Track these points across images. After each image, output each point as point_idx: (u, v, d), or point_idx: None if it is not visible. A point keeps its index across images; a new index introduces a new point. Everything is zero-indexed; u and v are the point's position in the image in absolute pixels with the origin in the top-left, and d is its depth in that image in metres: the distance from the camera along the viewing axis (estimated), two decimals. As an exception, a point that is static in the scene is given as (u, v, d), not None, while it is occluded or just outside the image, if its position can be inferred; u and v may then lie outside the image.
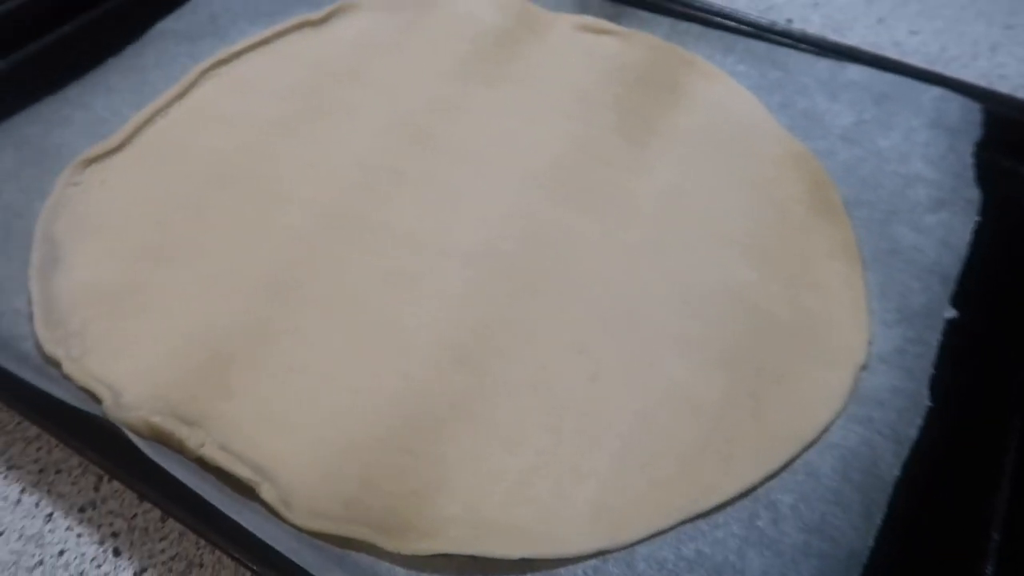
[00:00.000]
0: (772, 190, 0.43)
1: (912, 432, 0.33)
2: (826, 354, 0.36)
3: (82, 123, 0.45)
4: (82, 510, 0.32)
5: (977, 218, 0.41)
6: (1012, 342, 0.37)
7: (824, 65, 0.49)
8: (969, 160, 0.43)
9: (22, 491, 0.32)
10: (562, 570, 0.29)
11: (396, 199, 0.42)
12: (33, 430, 0.33)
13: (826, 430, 0.33)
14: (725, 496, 0.31)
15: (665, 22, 0.53)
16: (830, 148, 0.45)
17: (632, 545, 0.30)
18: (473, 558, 0.29)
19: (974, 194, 0.42)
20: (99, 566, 0.30)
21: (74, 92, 0.47)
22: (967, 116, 0.45)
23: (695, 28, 0.52)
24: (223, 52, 0.50)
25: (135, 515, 0.31)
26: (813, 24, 0.57)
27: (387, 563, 0.29)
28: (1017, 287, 0.39)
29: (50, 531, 0.31)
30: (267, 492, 0.30)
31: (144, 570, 0.30)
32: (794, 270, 0.39)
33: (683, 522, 0.30)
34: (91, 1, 0.52)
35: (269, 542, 0.28)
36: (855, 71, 0.48)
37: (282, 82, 0.49)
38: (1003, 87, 0.50)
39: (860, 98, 0.47)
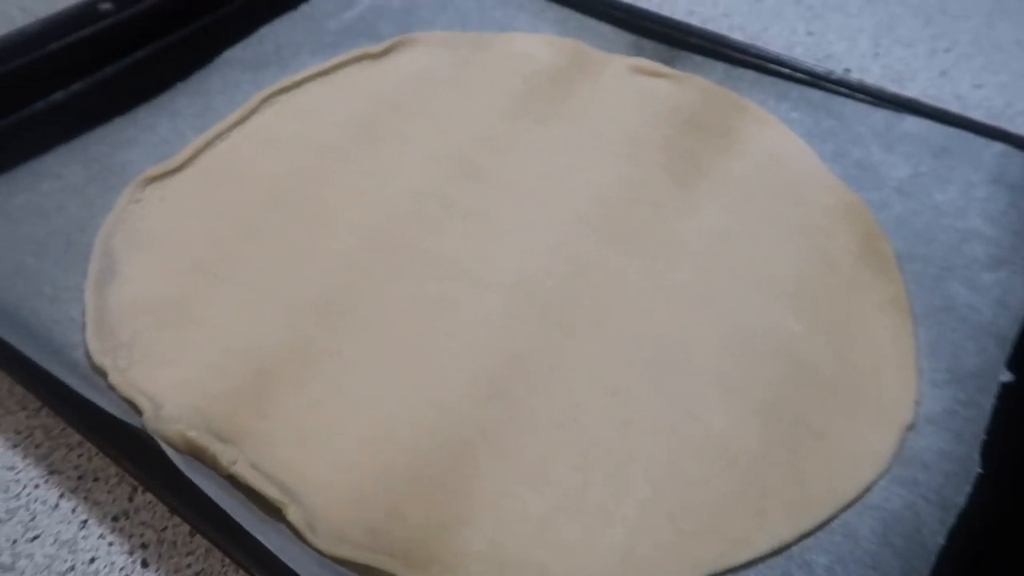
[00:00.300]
0: (822, 239, 0.42)
1: (960, 499, 0.32)
2: (870, 411, 0.35)
3: (147, 144, 0.47)
4: (115, 519, 0.32)
5: (1037, 276, 0.40)
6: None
7: (880, 116, 0.48)
8: (1026, 215, 0.42)
9: (60, 496, 0.33)
10: (583, 614, 0.29)
11: (443, 229, 0.43)
12: (75, 437, 0.34)
13: (867, 490, 0.32)
14: (756, 552, 0.30)
15: (719, 67, 0.53)
16: (884, 200, 0.44)
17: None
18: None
19: (1034, 252, 0.41)
20: (127, 576, 0.30)
21: (142, 114, 0.49)
22: (1026, 171, 0.44)
23: (749, 74, 0.52)
24: (285, 81, 0.52)
25: (165, 528, 0.32)
26: (872, 74, 0.56)
27: (406, 592, 0.29)
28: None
29: (83, 538, 0.32)
30: (294, 514, 0.30)
31: (169, 583, 0.31)
32: (841, 323, 0.38)
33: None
34: (164, 30, 0.54)
35: (292, 565, 0.28)
36: (912, 123, 0.47)
37: (339, 111, 0.50)
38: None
39: (917, 150, 0.46)
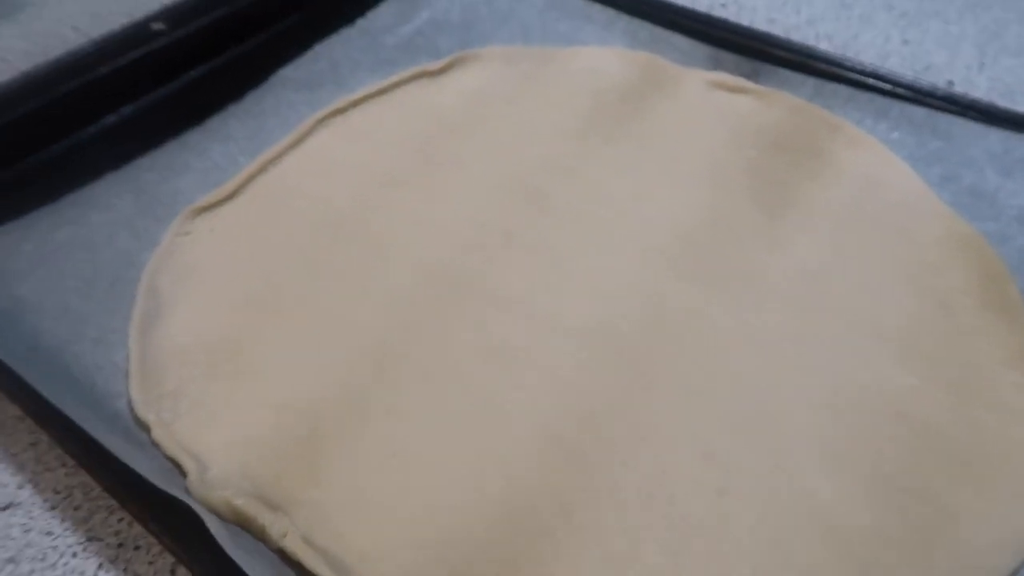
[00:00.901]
0: (933, 279, 0.38)
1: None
2: (1004, 485, 0.30)
3: (198, 171, 0.45)
4: (157, 594, 0.30)
5: None
6: None
7: (996, 136, 0.43)
8: None
9: (99, 567, 0.30)
10: None
11: (506, 264, 0.39)
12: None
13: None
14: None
15: (809, 82, 0.48)
16: (1003, 232, 0.39)
17: None
18: None
19: None
20: (168, 661, 0.28)
21: (193, 138, 0.47)
22: None
23: (843, 90, 0.47)
24: (340, 101, 0.49)
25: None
26: (979, 88, 0.51)
27: None
28: None
29: (123, 614, 0.29)
30: (349, 596, 0.27)
31: (214, 670, 0.28)
32: (962, 378, 0.34)
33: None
34: (217, 49, 0.52)
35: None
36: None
37: (397, 133, 0.48)
38: None
39: (1032, 171, 0.41)
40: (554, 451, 0.32)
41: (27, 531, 0.31)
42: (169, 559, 0.30)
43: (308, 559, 0.28)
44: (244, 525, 0.29)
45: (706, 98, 0.49)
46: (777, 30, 0.54)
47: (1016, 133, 0.43)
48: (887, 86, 0.46)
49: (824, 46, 0.53)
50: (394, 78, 0.51)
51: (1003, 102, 0.48)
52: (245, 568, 0.26)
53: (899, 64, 0.53)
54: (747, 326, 0.36)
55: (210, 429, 0.33)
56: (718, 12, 0.56)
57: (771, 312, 0.37)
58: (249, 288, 0.39)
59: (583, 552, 0.29)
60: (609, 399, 0.33)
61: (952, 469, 0.31)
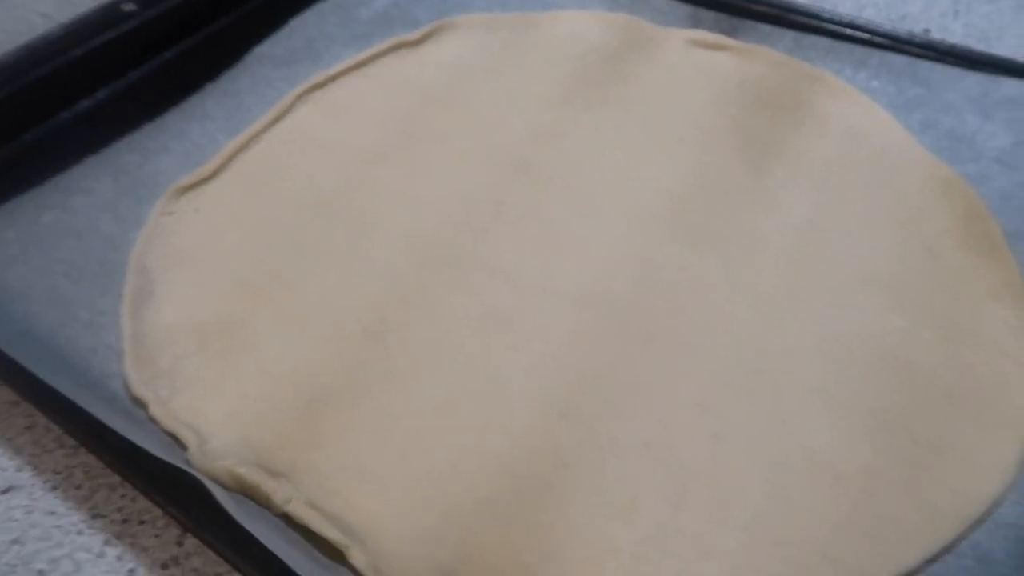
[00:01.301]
0: (917, 223, 0.38)
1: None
2: (993, 416, 0.31)
3: (178, 151, 0.45)
4: (164, 566, 0.30)
5: None
6: None
7: (974, 80, 0.43)
8: None
9: (105, 543, 0.30)
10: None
11: (496, 234, 0.39)
12: (118, 476, 0.32)
13: (996, 507, 0.28)
14: (875, 586, 0.27)
15: (788, 35, 0.48)
16: (983, 173, 0.40)
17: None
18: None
19: None
20: (180, 630, 0.28)
21: (171, 119, 0.46)
22: None
23: (822, 41, 0.47)
24: (318, 76, 0.49)
25: (219, 574, 0.29)
26: (955, 34, 0.51)
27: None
28: None
29: (132, 588, 0.29)
30: (356, 557, 0.27)
31: (226, 636, 0.28)
32: (950, 317, 0.34)
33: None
34: (190, 28, 0.51)
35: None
36: (1013, 86, 0.43)
37: (378, 107, 0.47)
38: None
39: (1019, 116, 0.42)
40: (551, 409, 0.32)
41: (29, 512, 0.31)
42: (175, 531, 0.30)
43: (315, 523, 0.28)
44: (248, 493, 0.30)
45: (687, 57, 0.49)
46: (754, -14, 0.54)
47: (992, 76, 0.43)
48: (865, 36, 0.47)
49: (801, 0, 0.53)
50: (372, 50, 0.51)
51: (979, 47, 0.48)
52: (253, 532, 0.26)
53: (875, 14, 0.53)
54: (740, 282, 0.36)
55: (207, 403, 0.33)
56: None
57: (762, 266, 0.37)
58: (238, 267, 0.39)
59: (584, 502, 0.29)
60: (604, 358, 0.34)
61: (940, 406, 0.31)
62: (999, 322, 0.34)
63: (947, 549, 0.28)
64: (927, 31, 0.51)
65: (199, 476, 0.29)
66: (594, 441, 0.31)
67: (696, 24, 0.50)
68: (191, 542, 0.30)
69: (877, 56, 0.46)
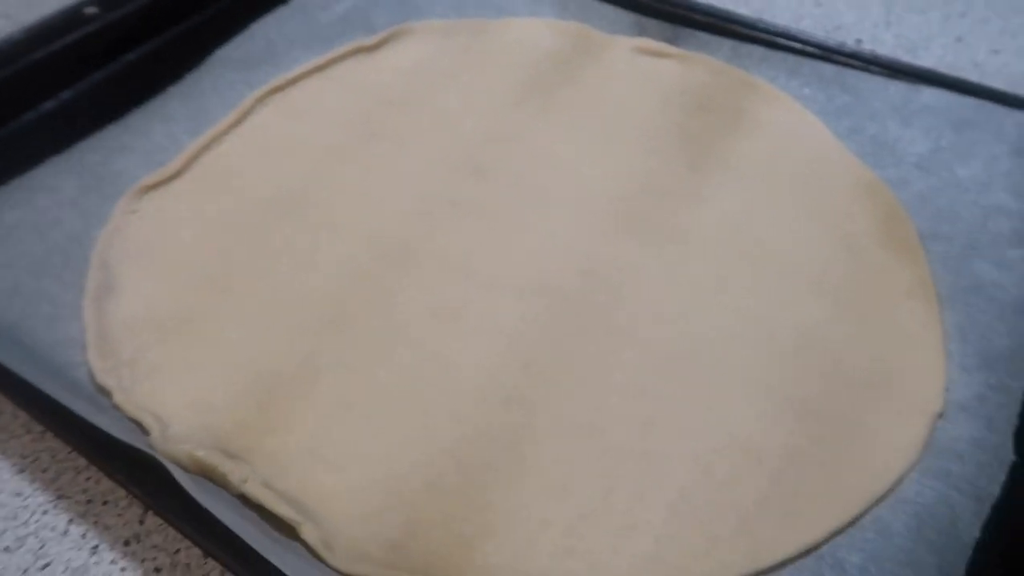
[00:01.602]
0: (841, 222, 0.41)
1: (994, 489, 0.30)
2: (899, 402, 0.33)
3: (141, 151, 0.46)
4: (127, 543, 0.31)
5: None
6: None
7: (896, 89, 0.46)
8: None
9: (69, 521, 0.32)
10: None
11: (449, 231, 0.41)
12: (82, 460, 0.33)
13: (899, 484, 0.31)
14: (787, 554, 0.29)
15: (726, 44, 0.51)
16: (903, 177, 0.43)
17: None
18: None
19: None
20: (141, 603, 0.30)
21: (134, 120, 0.48)
22: (1056, 143, 0.42)
23: (758, 50, 0.50)
24: (278, 79, 0.50)
25: (178, 551, 0.31)
26: (885, 44, 0.54)
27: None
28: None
29: (95, 563, 0.31)
30: (308, 532, 0.29)
31: (185, 609, 0.30)
32: (866, 310, 0.37)
33: (740, 580, 0.29)
34: (152, 31, 0.53)
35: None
36: (931, 95, 0.46)
37: (336, 109, 0.49)
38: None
39: (936, 124, 0.44)
40: (496, 396, 0.34)
41: (-4, 495, 0.33)
42: (137, 510, 0.32)
43: (269, 501, 0.30)
44: (206, 474, 0.31)
45: (632, 64, 0.51)
46: (701, -4, 0.57)
47: (913, 85, 0.46)
48: (798, 45, 0.49)
49: (743, 10, 0.55)
50: (331, 54, 0.52)
51: (906, 57, 0.51)
52: (211, 511, 0.28)
53: (812, 25, 0.56)
54: (673, 274, 0.39)
55: (168, 391, 0.34)
56: (643, -19, 0.58)
57: (697, 260, 0.40)
58: (198, 262, 0.40)
59: (522, 482, 0.31)
60: (545, 347, 0.36)
61: (854, 392, 0.34)
62: (911, 316, 0.37)
63: (852, 523, 0.30)
64: (859, 41, 0.55)
65: (160, 459, 0.30)
66: (534, 426, 0.33)
67: (641, 32, 0.53)
68: (152, 520, 0.32)
69: (809, 65, 0.48)
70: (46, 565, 0.31)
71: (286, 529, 0.30)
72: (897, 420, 0.33)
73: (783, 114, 0.47)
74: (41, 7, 0.52)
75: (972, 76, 0.48)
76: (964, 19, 0.56)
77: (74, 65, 0.50)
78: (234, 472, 0.31)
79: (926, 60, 0.51)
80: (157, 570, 0.31)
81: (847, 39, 0.54)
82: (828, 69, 0.48)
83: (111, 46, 0.52)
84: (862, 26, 0.56)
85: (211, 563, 0.31)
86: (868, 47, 0.53)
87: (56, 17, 0.51)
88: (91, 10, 0.51)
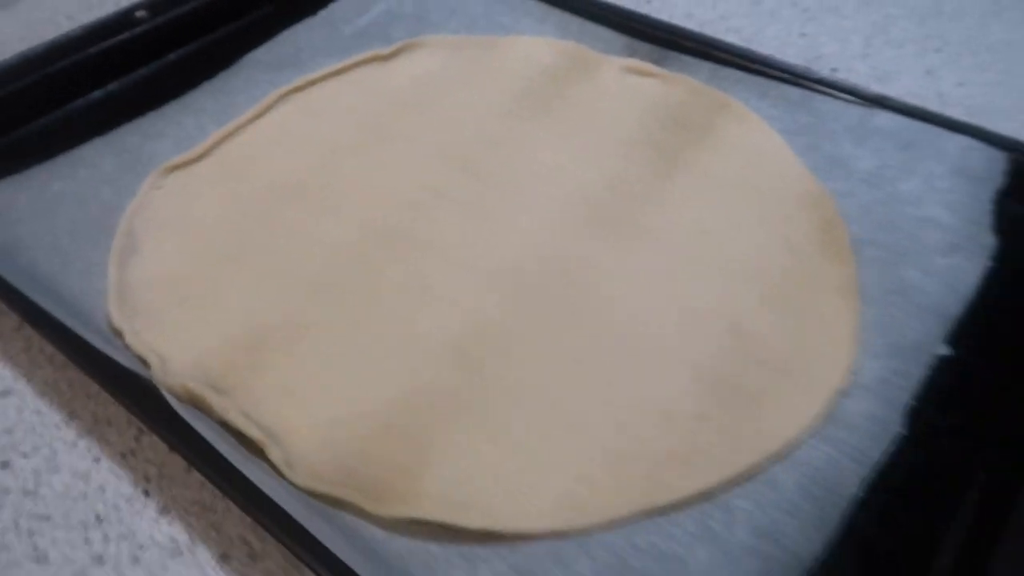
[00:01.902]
0: (785, 228, 0.45)
1: (877, 455, 0.34)
2: (807, 379, 0.37)
3: (173, 137, 0.52)
4: (123, 456, 0.37)
5: (989, 263, 0.42)
6: (1000, 381, 0.37)
7: (854, 112, 0.50)
8: (988, 207, 0.44)
9: (78, 436, 0.37)
10: (522, 544, 0.32)
11: (435, 219, 0.46)
12: (93, 388, 0.39)
13: (796, 448, 0.35)
14: (684, 495, 0.33)
15: (706, 67, 0.55)
16: (850, 190, 0.47)
17: (590, 531, 0.32)
18: (443, 526, 0.32)
19: (989, 240, 0.43)
20: (131, 502, 0.35)
21: (169, 110, 0.54)
22: (991, 165, 0.46)
23: (735, 73, 0.54)
24: (300, 80, 0.56)
25: (165, 463, 0.36)
26: (859, 74, 0.58)
27: (369, 524, 0.33)
28: (1018, 331, 0.39)
29: (95, 471, 0.36)
30: (274, 453, 0.34)
31: (167, 510, 0.35)
32: (794, 303, 0.41)
33: (640, 515, 0.33)
34: (194, 35, 0.59)
35: (270, 495, 0.32)
36: (884, 118, 0.49)
37: (349, 109, 0.55)
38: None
39: (885, 144, 0.48)
40: (454, 358, 0.39)
41: (20, 411, 0.39)
42: (134, 431, 0.37)
43: (243, 426, 0.35)
44: (195, 404, 0.37)
45: (620, 81, 0.56)
46: (693, 24, 0.62)
47: (870, 109, 0.50)
48: (772, 71, 0.54)
49: (732, 38, 0.60)
50: (349, 61, 0.58)
51: (876, 86, 0.55)
52: (198, 431, 0.33)
53: (795, 53, 0.60)
54: (626, 266, 0.43)
55: (171, 336, 0.40)
56: (643, 8, 0.63)
57: (649, 254, 0.44)
58: (210, 235, 0.46)
59: (463, 427, 0.36)
60: (506, 322, 0.41)
61: (768, 369, 0.38)
62: (833, 310, 0.40)
63: (748, 476, 0.34)
64: (835, 70, 0.59)
65: (160, 389, 0.36)
66: (482, 382, 0.38)
67: (632, 53, 0.58)
68: (146, 439, 0.37)
69: (778, 88, 0.53)
70: (55, 469, 0.36)
71: (256, 450, 0.35)
72: (802, 394, 0.37)
73: (749, 131, 0.51)
74: (99, 10, 0.59)
75: (934, 105, 0.51)
76: (938, 54, 0.60)
77: (122, 61, 0.57)
78: (218, 403, 0.36)
79: (894, 89, 0.55)
80: (147, 479, 0.36)
81: (824, 68, 0.58)
82: (795, 93, 0.52)
83: (156, 47, 0.59)
84: (841, 57, 0.60)
85: (193, 476, 0.36)
86: (843, 76, 0.57)
87: (110, 19, 0.58)
88: (141, 14, 0.58)
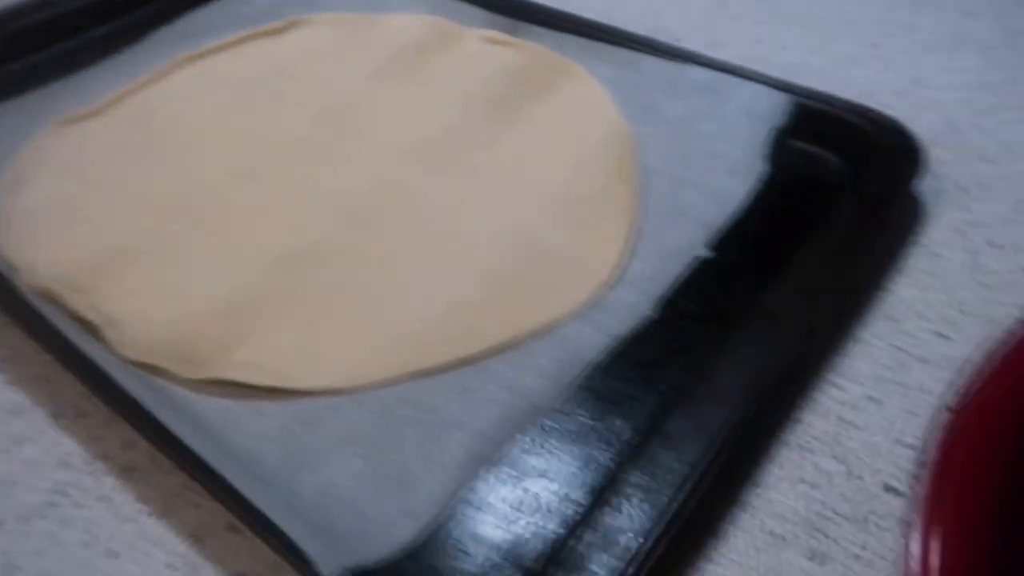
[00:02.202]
0: (590, 162, 0.51)
1: (623, 331, 0.40)
2: (579, 274, 0.44)
3: (78, 99, 0.59)
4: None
5: (758, 185, 0.48)
6: (745, 277, 0.43)
7: (672, 68, 0.57)
8: (765, 140, 0.51)
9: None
10: (305, 399, 0.38)
11: (291, 159, 0.53)
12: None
13: (557, 326, 0.41)
14: (449, 360, 0.39)
15: (555, 36, 0.62)
16: (656, 132, 0.53)
17: (365, 388, 0.39)
18: (239, 385, 0.38)
19: (761, 167, 0.49)
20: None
21: (80, 77, 0.61)
22: (774, 106, 0.52)
23: (580, 40, 0.61)
24: (197, 49, 0.63)
25: (18, 348, 0.43)
26: (695, 42, 0.64)
27: (181, 387, 0.39)
28: (768, 237, 0.46)
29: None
30: (109, 334, 0.41)
31: (14, 382, 0.41)
32: (582, 219, 0.47)
33: (408, 376, 0.39)
34: (107, 17, 0.67)
35: (100, 365, 0.38)
36: (695, 72, 0.56)
37: (239, 73, 0.62)
38: (850, 93, 0.55)
39: (693, 94, 0.55)
40: (282, 263, 0.45)
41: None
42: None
43: (87, 313, 0.42)
44: (55, 301, 0.43)
45: (478, 49, 0.63)
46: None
47: (686, 65, 0.57)
48: (611, 37, 0.60)
49: (587, 13, 0.66)
50: (244, 34, 0.65)
51: (708, 51, 0.62)
52: (54, 324, 0.40)
53: (643, 27, 0.67)
54: (449, 195, 0.50)
55: (44, 247, 0.46)
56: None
57: (470, 186, 0.50)
58: (95, 174, 0.52)
59: (277, 311, 0.42)
60: (332, 236, 0.47)
61: (548, 268, 0.44)
62: (613, 223, 0.47)
63: (509, 346, 0.40)
64: (678, 40, 0.65)
65: (23, 290, 0.42)
66: (301, 281, 0.44)
67: (491, 25, 0.64)
68: (11, 330, 0.43)
69: (612, 51, 0.59)
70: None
71: (96, 332, 0.41)
72: (572, 285, 0.43)
73: (580, 88, 0.58)
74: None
75: (761, 68, 0.58)
76: (769, 24, 0.67)
77: (43, 37, 0.64)
78: (71, 298, 0.43)
79: (724, 55, 0.61)
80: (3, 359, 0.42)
81: (666, 38, 0.65)
82: (626, 55, 0.59)
83: (75, 25, 0.65)
84: (682, 28, 0.67)
85: (44, 355, 0.42)
86: (684, 44, 0.64)
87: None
88: (56, -3, 0.65)
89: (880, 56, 0.63)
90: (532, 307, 0.42)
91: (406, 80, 0.60)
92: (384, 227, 0.48)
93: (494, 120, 0.56)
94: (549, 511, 0.34)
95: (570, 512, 0.34)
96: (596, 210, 0.48)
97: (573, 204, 0.48)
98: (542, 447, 0.37)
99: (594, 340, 0.40)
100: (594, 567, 0.32)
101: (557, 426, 0.37)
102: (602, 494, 0.34)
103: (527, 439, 0.37)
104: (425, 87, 0.60)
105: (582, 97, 0.57)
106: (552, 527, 0.33)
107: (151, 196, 0.50)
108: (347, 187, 0.51)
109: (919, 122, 0.52)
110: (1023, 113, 0.57)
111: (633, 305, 0.42)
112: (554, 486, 0.35)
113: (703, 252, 0.45)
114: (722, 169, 0.50)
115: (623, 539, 0.32)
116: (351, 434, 0.37)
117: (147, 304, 0.43)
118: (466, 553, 0.33)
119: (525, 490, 0.35)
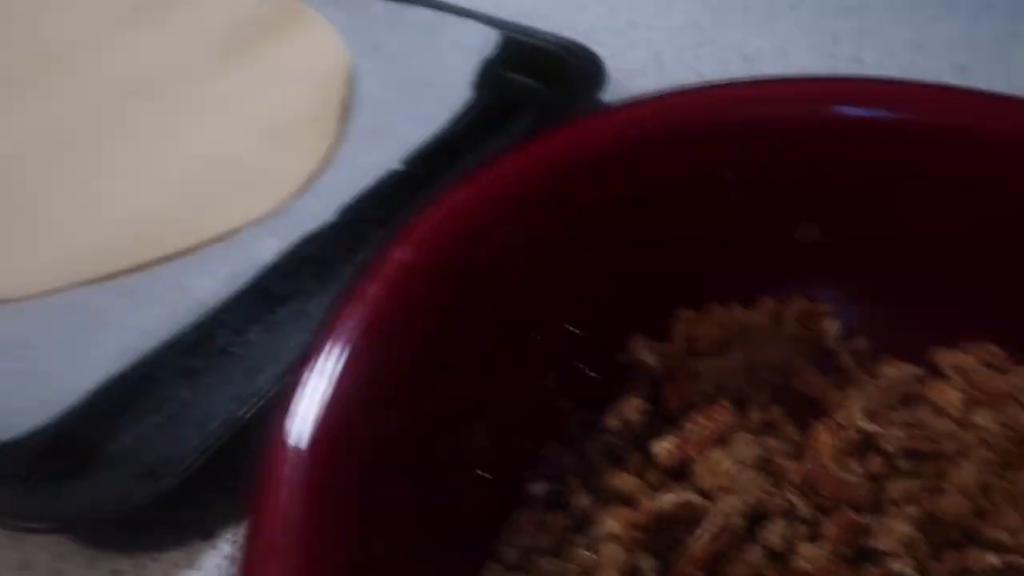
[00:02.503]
0: (305, 92, 0.53)
1: (297, 237, 0.42)
2: (268, 188, 0.45)
3: None
4: None
5: (460, 110, 0.51)
6: (431, 187, 0.46)
7: (393, 8, 0.60)
8: (473, 70, 0.54)
9: None
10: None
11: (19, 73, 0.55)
12: None
13: (237, 234, 0.43)
14: (116, 268, 0.41)
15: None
16: (376, 68, 0.55)
17: (31, 297, 0.39)
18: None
19: (467, 94, 0.52)
20: None
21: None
22: (485, 40, 0.55)
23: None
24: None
25: None
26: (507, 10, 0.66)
27: None
28: (461, 154, 0.49)
29: None
30: None
31: None
32: (284, 141, 0.49)
33: (75, 285, 0.40)
34: None
35: None
36: (418, 12, 0.59)
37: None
38: (573, 34, 0.58)
39: (413, 30, 0.58)
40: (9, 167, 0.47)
41: None
42: None
43: None
44: None
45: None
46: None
47: (410, 6, 0.59)
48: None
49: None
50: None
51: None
52: None
53: None
54: (160, 124, 0.51)
55: None
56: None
57: (185, 117, 0.52)
58: None
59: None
60: (28, 155, 0.48)
61: (240, 185, 0.46)
62: (313, 144, 0.49)
63: (185, 254, 0.41)
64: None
65: None
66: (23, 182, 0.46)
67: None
68: None
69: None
70: None
71: None
72: (259, 198, 0.45)
73: (310, 29, 0.59)
74: None
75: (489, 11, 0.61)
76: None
77: None
78: None
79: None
80: None
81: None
82: (363, 2, 0.61)
83: None
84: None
85: None
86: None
87: None
88: None
89: (605, 3, 0.67)
90: (212, 217, 0.43)
91: (143, 26, 0.61)
92: (77, 150, 0.48)
93: (224, 60, 0.57)
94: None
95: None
96: (300, 134, 0.50)
97: (279, 130, 0.50)
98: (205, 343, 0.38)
99: (270, 244, 0.42)
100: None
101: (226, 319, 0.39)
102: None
103: (191, 335, 0.38)
104: (166, 31, 0.60)
105: (313, 39, 0.59)
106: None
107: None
108: (57, 111, 0.51)
109: (629, 57, 0.56)
110: (721, 48, 0.62)
111: (315, 211, 0.44)
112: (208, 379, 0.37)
113: (397, 166, 0.47)
114: (431, 96, 0.52)
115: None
116: (7, 340, 0.37)
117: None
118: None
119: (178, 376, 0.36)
